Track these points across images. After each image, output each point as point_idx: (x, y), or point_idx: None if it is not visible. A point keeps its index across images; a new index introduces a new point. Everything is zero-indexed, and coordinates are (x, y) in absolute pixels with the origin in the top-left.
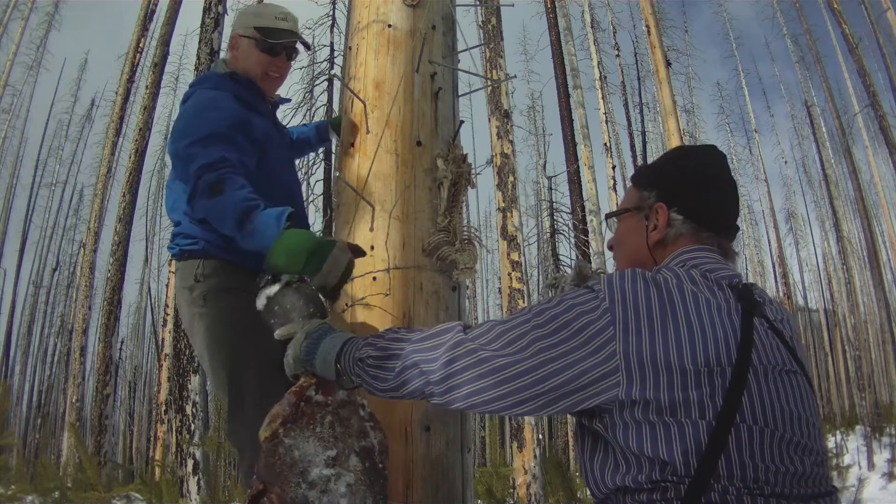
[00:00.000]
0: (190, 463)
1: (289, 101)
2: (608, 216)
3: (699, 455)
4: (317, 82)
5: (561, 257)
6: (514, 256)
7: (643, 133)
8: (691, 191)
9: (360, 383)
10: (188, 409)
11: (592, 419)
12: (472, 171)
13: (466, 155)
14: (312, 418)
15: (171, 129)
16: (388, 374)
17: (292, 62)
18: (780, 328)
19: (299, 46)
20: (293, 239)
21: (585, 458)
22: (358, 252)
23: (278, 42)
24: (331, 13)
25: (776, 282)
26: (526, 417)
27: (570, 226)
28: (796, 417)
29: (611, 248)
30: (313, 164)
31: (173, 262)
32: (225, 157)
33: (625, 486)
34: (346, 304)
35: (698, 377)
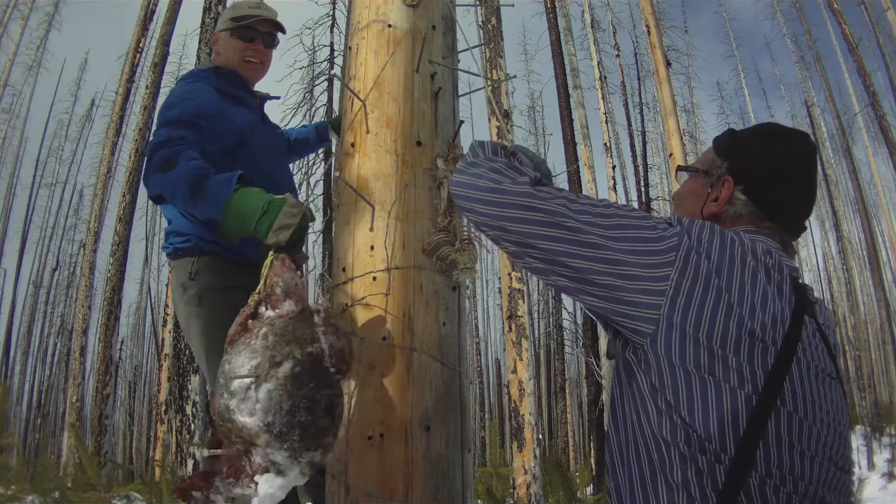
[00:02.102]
0: (190, 463)
1: (277, 98)
2: (679, 169)
3: (736, 433)
4: (317, 82)
5: None
6: None
7: (643, 133)
8: (764, 174)
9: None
10: (188, 409)
11: (626, 348)
12: None
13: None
14: (251, 333)
15: None
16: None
17: (272, 49)
18: (826, 333)
19: (279, 35)
20: (243, 200)
21: (615, 400)
22: (310, 214)
23: (249, 24)
24: (331, 13)
25: None
26: (526, 417)
27: None
28: (833, 427)
29: (672, 200)
30: (313, 164)
31: (169, 260)
32: (182, 136)
33: (659, 440)
34: (346, 304)
35: (739, 343)
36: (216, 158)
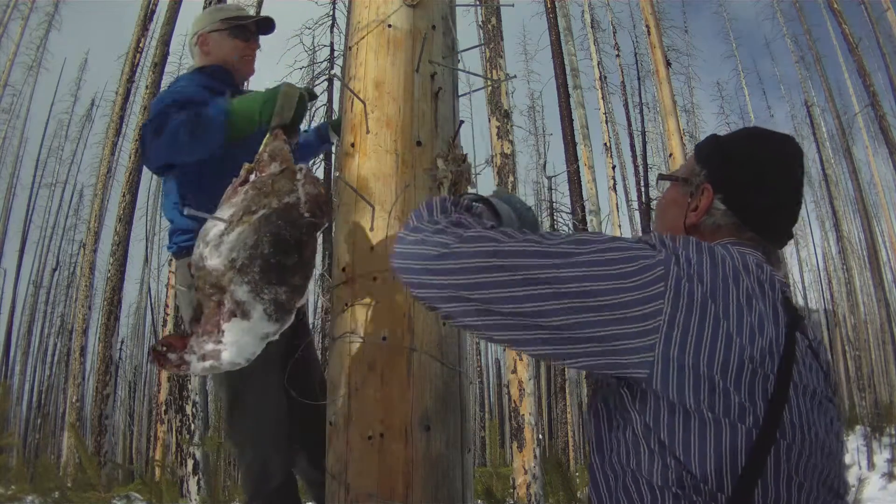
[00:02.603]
0: (190, 463)
1: None
2: (660, 177)
3: (735, 471)
4: (317, 82)
5: None
6: None
7: (643, 133)
8: (744, 181)
9: None
10: (188, 409)
11: (620, 382)
12: (472, 171)
13: (466, 155)
14: (236, 193)
15: None
16: None
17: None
18: (817, 350)
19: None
20: (242, 101)
21: (602, 431)
22: (311, 93)
23: (247, 24)
24: (331, 13)
25: None
26: (526, 417)
27: (571, 226)
28: (828, 452)
29: (655, 210)
30: (313, 164)
31: (173, 261)
32: (168, 112)
33: (651, 483)
34: (346, 304)
35: (740, 373)
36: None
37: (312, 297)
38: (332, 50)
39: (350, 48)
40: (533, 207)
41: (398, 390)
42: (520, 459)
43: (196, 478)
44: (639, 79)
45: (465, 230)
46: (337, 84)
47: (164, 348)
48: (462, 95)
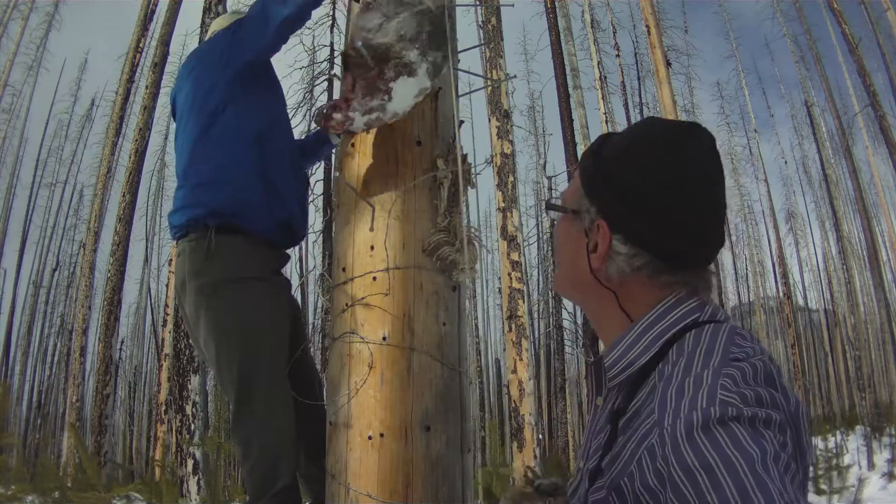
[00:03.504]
0: (190, 463)
1: None
2: (548, 207)
3: None
4: (317, 82)
5: None
6: (514, 256)
7: None
8: (644, 214)
9: None
10: (188, 409)
11: None
12: (472, 171)
13: (466, 155)
14: (369, 9)
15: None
16: None
17: None
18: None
19: None
20: None
21: None
22: None
23: None
24: (331, 13)
25: (776, 282)
26: (526, 417)
27: None
28: None
29: (550, 245)
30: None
31: (174, 249)
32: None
33: None
34: (346, 304)
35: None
36: (250, 134)
37: (312, 297)
38: (332, 50)
39: (350, 7)
40: None
41: (398, 390)
42: (520, 459)
43: (196, 478)
44: (639, 79)
45: None
46: (337, 84)
47: (331, 110)
48: (462, 95)
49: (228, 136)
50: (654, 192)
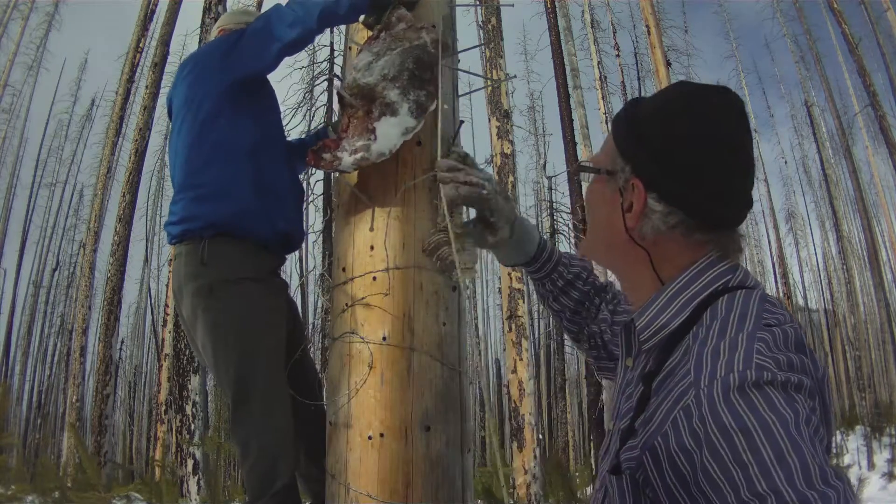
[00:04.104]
0: (190, 463)
1: None
2: (580, 168)
3: None
4: (317, 82)
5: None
6: None
7: None
8: (679, 173)
9: None
10: (188, 409)
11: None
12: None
13: (467, 154)
14: (374, 41)
15: (187, 68)
16: None
17: None
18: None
19: None
20: None
21: None
22: None
23: None
24: None
25: (776, 282)
26: (526, 417)
27: (570, 226)
28: None
29: (584, 200)
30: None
31: (173, 250)
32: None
33: None
34: (346, 304)
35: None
36: (249, 143)
37: (312, 297)
38: (332, 50)
39: (350, 48)
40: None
41: (398, 390)
42: (520, 459)
43: (196, 478)
44: (639, 79)
45: None
46: (337, 83)
47: (321, 150)
48: (462, 95)
49: (224, 148)
50: (687, 151)
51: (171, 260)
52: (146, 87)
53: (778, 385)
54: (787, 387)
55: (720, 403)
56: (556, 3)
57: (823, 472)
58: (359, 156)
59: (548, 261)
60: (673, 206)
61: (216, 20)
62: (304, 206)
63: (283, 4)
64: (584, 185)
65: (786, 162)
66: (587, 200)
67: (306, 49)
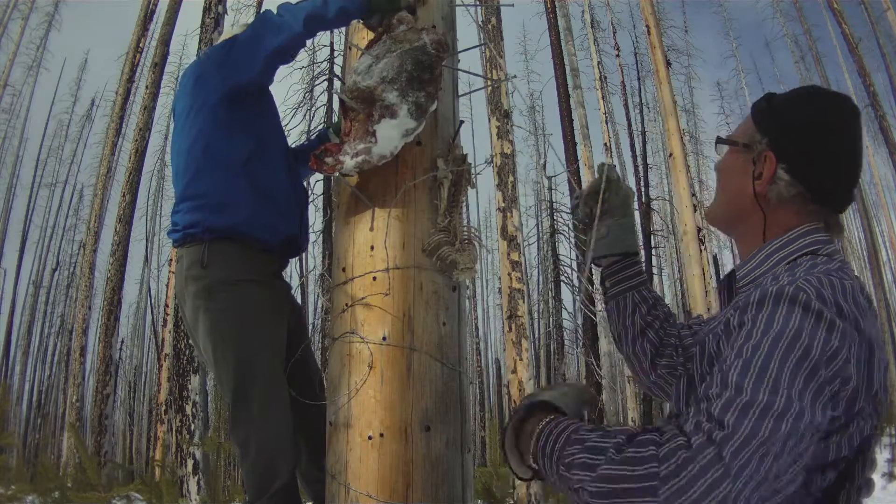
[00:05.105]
0: (190, 463)
1: None
2: (719, 141)
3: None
4: (317, 82)
5: (561, 257)
6: (514, 256)
7: (643, 133)
8: (807, 150)
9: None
10: (188, 409)
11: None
12: (472, 171)
13: (466, 155)
14: (374, 44)
15: (189, 75)
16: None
17: None
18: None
19: None
20: None
21: None
22: None
23: None
24: None
25: None
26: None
27: (571, 226)
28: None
29: (717, 171)
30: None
31: (174, 252)
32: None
33: None
34: (346, 304)
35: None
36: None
37: (312, 297)
38: (332, 50)
39: (350, 48)
40: None
41: (398, 390)
42: None
43: (196, 478)
44: (639, 79)
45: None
46: (337, 84)
47: (323, 154)
48: (462, 95)
49: (219, 158)
50: (817, 134)
51: (170, 260)
52: (146, 87)
53: (811, 311)
54: (819, 316)
55: (753, 304)
56: (556, 3)
57: (789, 401)
58: (360, 158)
59: (638, 267)
60: (796, 178)
61: (216, 21)
62: (308, 208)
63: (272, 11)
64: (717, 159)
65: None
66: (720, 170)
67: (306, 49)
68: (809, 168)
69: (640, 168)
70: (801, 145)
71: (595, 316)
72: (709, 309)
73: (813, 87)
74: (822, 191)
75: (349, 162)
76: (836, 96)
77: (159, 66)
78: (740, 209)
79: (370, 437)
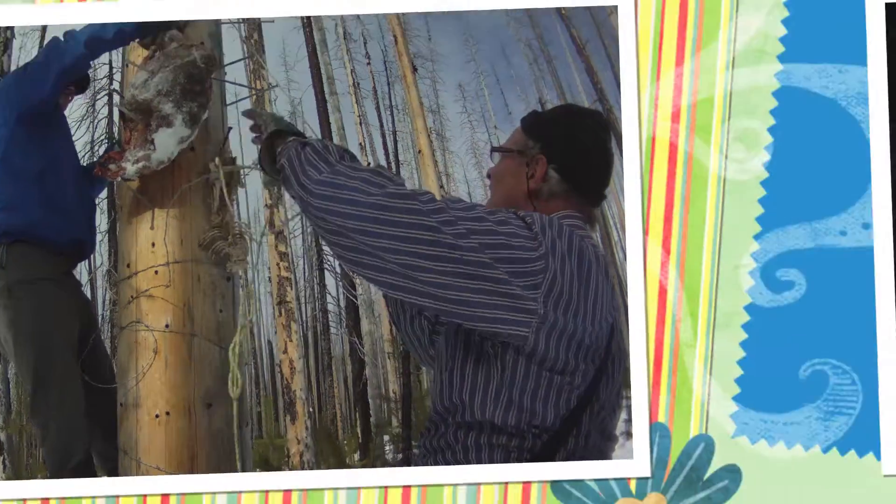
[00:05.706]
0: None
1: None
2: (494, 150)
3: (565, 413)
4: (98, 97)
5: (324, 247)
6: (282, 248)
7: (394, 133)
8: (572, 153)
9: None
10: None
11: (484, 340)
12: (242, 173)
13: (235, 158)
14: (149, 61)
15: None
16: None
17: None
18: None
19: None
20: None
21: (463, 373)
22: None
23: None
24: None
25: None
26: (298, 393)
27: None
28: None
29: (489, 176)
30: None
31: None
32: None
33: (491, 423)
34: (131, 296)
35: (588, 352)
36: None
37: (101, 291)
38: (111, 67)
39: (127, 65)
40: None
41: (181, 372)
42: (293, 431)
43: (1, 458)
44: (388, 84)
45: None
46: (117, 98)
47: (106, 161)
48: (230, 104)
49: (14, 169)
50: (578, 140)
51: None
52: None
53: (500, 218)
54: (505, 221)
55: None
56: (312, 18)
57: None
58: (141, 164)
59: None
60: (564, 176)
61: (5, 45)
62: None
63: (59, 37)
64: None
65: None
66: (495, 173)
67: (91, 68)
68: (572, 167)
69: (393, 164)
70: (566, 149)
71: (356, 299)
72: None
73: (569, 104)
74: (583, 185)
75: (131, 168)
76: (588, 111)
77: None
78: (515, 204)
79: (157, 416)
